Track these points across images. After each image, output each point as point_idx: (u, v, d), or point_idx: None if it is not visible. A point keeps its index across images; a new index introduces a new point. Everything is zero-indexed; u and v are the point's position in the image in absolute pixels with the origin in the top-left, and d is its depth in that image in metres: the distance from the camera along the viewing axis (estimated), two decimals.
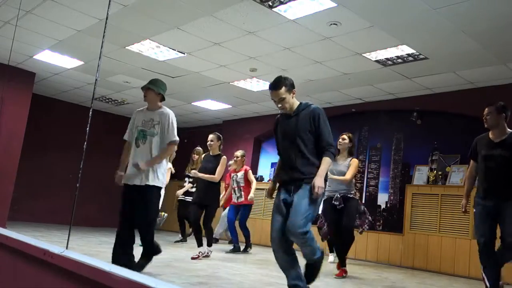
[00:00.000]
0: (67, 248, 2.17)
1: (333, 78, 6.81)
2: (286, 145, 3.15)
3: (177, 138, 3.97)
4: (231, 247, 6.74)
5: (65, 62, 7.34)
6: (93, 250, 5.19)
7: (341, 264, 4.84)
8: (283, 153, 3.17)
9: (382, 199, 7.40)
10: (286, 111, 3.15)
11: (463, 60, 5.70)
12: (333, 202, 4.92)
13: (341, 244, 4.97)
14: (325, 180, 3.07)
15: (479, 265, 5.70)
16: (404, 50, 5.55)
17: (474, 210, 3.91)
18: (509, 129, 3.87)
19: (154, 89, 3.98)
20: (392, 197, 7.26)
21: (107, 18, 3.85)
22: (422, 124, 7.19)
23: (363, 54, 5.81)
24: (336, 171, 5.02)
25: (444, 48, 5.39)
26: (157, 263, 4.38)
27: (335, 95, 7.74)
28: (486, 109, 3.92)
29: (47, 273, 2.15)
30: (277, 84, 3.11)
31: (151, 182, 3.82)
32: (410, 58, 5.80)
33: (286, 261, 3.04)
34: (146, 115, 4.01)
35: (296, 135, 3.08)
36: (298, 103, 3.20)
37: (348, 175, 4.95)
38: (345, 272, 4.81)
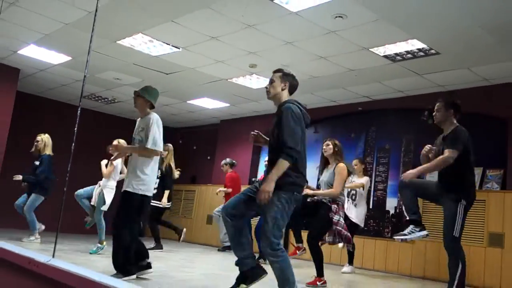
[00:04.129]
0: (53, 256, 2.17)
1: (338, 74, 6.81)
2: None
3: (152, 147, 4.06)
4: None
5: (52, 57, 7.34)
6: (81, 258, 5.18)
7: (318, 274, 4.71)
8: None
9: (391, 204, 7.40)
10: (268, 96, 3.40)
11: (478, 56, 5.70)
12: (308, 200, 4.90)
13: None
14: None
15: (495, 273, 5.73)
16: (415, 44, 5.55)
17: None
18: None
19: (145, 96, 4.23)
20: (401, 202, 7.26)
21: (96, 10, 3.85)
22: (434, 124, 7.17)
23: (371, 49, 5.81)
24: (323, 183, 5.02)
25: (457, 43, 5.39)
26: (151, 273, 4.37)
27: (340, 93, 7.74)
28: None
29: (32, 283, 2.15)
30: (278, 68, 3.45)
31: None
32: (421, 53, 5.80)
33: None
34: (139, 122, 4.33)
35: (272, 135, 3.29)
36: (286, 99, 3.33)
37: (336, 187, 4.82)
38: (319, 281, 4.68)
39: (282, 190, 3.08)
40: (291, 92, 3.39)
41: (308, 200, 4.85)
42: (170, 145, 7.41)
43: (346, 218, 6.47)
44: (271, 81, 3.38)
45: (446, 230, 3.99)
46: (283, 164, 3.06)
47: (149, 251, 6.85)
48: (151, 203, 7.04)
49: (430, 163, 4.07)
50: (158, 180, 7.08)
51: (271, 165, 3.17)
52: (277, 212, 3.06)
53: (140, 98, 4.23)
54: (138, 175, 4.04)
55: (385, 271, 6.87)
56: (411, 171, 4.11)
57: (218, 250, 8.06)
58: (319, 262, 4.72)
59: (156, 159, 4.22)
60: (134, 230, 4.07)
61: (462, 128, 4.23)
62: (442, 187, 4.11)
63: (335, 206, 4.82)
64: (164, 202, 7.08)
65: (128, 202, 4.04)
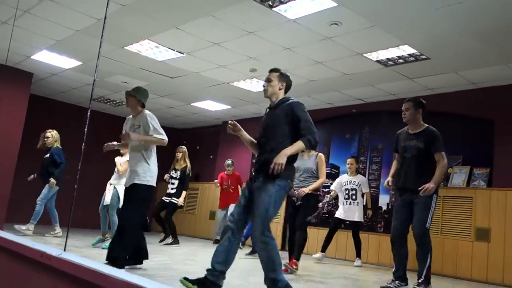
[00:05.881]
0: (65, 250, 2.17)
1: (333, 78, 6.81)
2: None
3: (163, 137, 4.14)
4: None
5: (63, 62, 7.34)
6: (91, 252, 5.19)
7: (295, 257, 4.84)
8: None
9: (384, 200, 7.40)
10: (265, 94, 3.35)
11: (465, 60, 5.70)
12: (292, 198, 5.10)
13: (294, 240, 5.03)
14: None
15: (482, 266, 5.73)
16: (406, 50, 5.55)
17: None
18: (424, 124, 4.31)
19: (136, 96, 4.27)
20: (393, 199, 7.26)
21: (105, 17, 3.87)
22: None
23: (364, 54, 5.81)
24: (303, 168, 5.12)
25: (446, 48, 5.39)
26: (155, 265, 4.38)
27: (335, 96, 7.74)
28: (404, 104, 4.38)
29: (45, 275, 2.15)
30: (275, 68, 3.41)
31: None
32: (412, 58, 5.80)
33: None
34: (131, 120, 4.36)
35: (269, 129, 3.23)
36: (283, 97, 3.34)
37: (323, 176, 5.11)
38: (296, 264, 4.80)
39: (277, 178, 3.02)
40: (286, 91, 3.39)
41: (295, 199, 5.09)
42: (183, 147, 7.33)
43: (341, 221, 6.55)
44: (269, 80, 3.33)
45: (419, 222, 4.04)
46: (301, 145, 3.08)
47: (166, 245, 6.92)
48: (172, 200, 7.08)
49: (437, 174, 4.06)
50: (177, 182, 7.12)
51: (263, 165, 3.06)
52: (271, 197, 2.98)
53: (132, 97, 4.28)
54: (144, 167, 4.08)
55: (377, 263, 6.87)
56: (430, 185, 4.00)
57: (213, 243, 8.01)
58: (302, 247, 4.92)
59: (155, 152, 4.25)
60: (140, 223, 4.12)
61: (433, 128, 4.30)
62: (415, 188, 4.06)
63: (320, 193, 5.25)
64: (181, 201, 7.09)
65: (136, 194, 4.05)
